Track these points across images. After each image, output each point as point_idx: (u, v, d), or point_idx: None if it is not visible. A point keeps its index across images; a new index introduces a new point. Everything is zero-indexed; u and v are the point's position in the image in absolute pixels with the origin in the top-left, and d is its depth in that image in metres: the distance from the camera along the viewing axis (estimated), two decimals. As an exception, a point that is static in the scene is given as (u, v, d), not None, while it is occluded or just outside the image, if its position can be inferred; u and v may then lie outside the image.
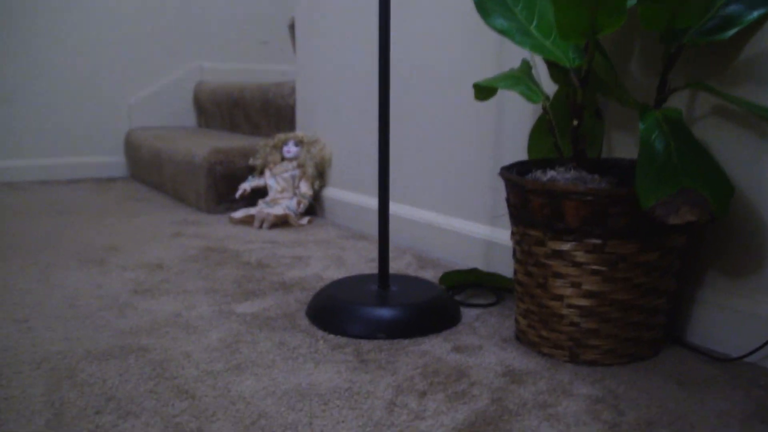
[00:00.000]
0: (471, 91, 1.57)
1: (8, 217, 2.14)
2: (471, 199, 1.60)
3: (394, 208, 1.83)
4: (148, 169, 2.74)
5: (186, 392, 0.93)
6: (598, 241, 1.00)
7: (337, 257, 1.65)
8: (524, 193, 1.04)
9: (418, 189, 1.76)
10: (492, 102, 1.53)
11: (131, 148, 2.97)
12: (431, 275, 1.50)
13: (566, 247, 1.02)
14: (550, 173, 1.05)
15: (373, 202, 1.93)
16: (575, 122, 1.06)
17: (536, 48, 1.07)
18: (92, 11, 3.01)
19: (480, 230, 1.56)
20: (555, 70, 1.17)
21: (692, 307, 1.15)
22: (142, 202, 2.40)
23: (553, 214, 1.01)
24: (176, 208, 2.29)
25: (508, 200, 1.11)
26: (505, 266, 1.49)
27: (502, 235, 1.51)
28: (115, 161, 3.11)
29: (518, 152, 1.47)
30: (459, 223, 1.62)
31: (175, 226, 1.99)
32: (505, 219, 1.51)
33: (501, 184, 1.51)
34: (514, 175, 1.07)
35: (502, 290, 1.39)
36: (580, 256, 1.01)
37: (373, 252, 1.71)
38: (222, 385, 0.95)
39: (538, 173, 1.08)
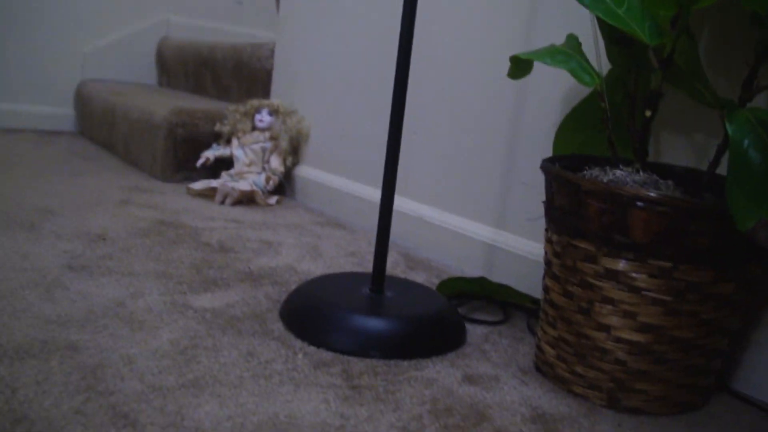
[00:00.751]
0: (483, 71, 1.36)
1: (-71, 162, 1.85)
2: (473, 195, 1.38)
3: (378, 195, 1.60)
4: (98, 126, 2.45)
5: (125, 416, 0.69)
6: (667, 264, 0.79)
7: (312, 246, 1.42)
8: (578, 195, 0.83)
9: (410, 178, 1.53)
10: (508, 83, 1.31)
11: (82, 101, 2.67)
12: (423, 279, 1.28)
13: (625, 266, 0.81)
14: (614, 172, 0.84)
15: (354, 187, 1.70)
16: (648, 113, 0.85)
17: (608, 15, 0.86)
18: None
19: (481, 231, 1.35)
20: (617, 48, 0.96)
21: (746, 349, 0.96)
22: (88, 162, 2.12)
23: (614, 224, 0.80)
24: (128, 172, 2.02)
25: (550, 201, 0.90)
26: (508, 276, 1.28)
27: (508, 239, 1.30)
28: (62, 113, 2.81)
29: (537, 145, 1.26)
30: (456, 220, 1.41)
31: (125, 192, 1.73)
32: (515, 222, 1.30)
33: (512, 180, 1.30)
34: (564, 170, 0.85)
35: (509, 306, 1.18)
36: (642, 281, 0.80)
37: (354, 244, 1.48)
38: (173, 409, 0.72)
39: (596, 171, 0.86)
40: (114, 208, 1.54)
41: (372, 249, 1.46)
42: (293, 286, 1.15)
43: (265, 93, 2.12)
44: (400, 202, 1.54)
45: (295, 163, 1.92)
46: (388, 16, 1.60)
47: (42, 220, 1.37)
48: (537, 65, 1.24)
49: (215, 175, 1.91)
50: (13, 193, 1.58)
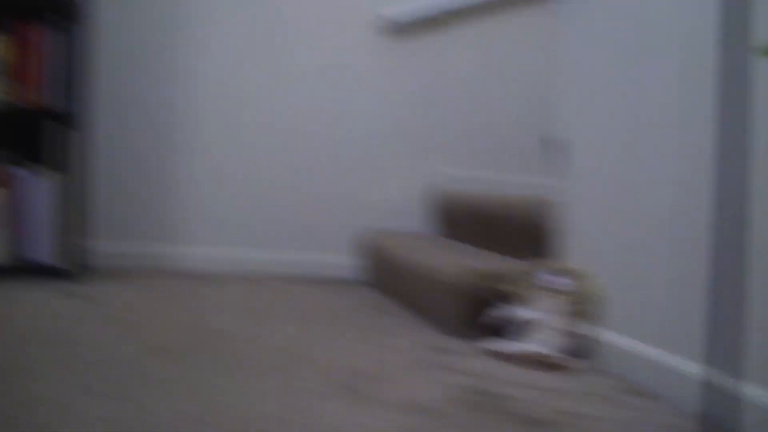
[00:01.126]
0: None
1: (243, 316, 2.07)
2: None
3: (684, 364, 1.53)
4: (385, 277, 2.62)
5: None
6: None
7: (624, 422, 1.37)
8: None
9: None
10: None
11: (366, 251, 2.88)
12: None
13: None
14: None
15: (659, 355, 1.63)
16: None
17: None
18: (338, 107, 3.04)
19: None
20: None
21: None
22: (381, 315, 2.26)
23: None
24: (420, 328, 2.11)
25: None
26: None
27: None
28: (344, 262, 3.05)
29: None
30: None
31: (425, 353, 1.80)
32: None
33: None
34: None
35: None
36: None
37: (666, 419, 1.41)
38: None
39: None
40: (422, 372, 1.61)
41: (686, 424, 1.38)
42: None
43: (549, 250, 2.14)
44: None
45: (588, 326, 1.90)
46: (690, 169, 1.57)
47: (361, 384, 1.46)
48: None
49: (505, 335, 1.93)
50: (324, 350, 1.71)
